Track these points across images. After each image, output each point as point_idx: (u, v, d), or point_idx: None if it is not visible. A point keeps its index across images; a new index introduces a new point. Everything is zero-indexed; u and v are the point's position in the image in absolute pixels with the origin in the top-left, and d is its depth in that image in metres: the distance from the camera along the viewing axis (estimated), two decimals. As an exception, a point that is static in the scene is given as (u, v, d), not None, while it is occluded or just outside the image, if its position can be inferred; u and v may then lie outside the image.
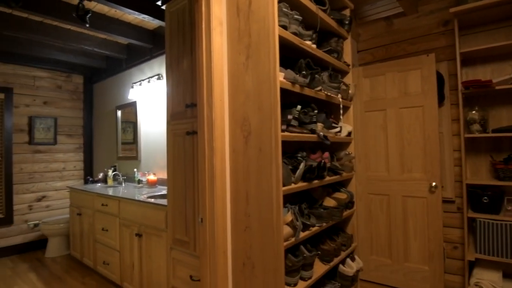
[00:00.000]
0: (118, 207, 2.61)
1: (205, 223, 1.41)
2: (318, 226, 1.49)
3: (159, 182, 3.13)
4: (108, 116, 4.10)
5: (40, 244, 3.79)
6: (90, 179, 3.84)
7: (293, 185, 1.36)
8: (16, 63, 3.69)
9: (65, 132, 4.16)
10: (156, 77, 3.17)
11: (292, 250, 1.42)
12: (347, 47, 2.31)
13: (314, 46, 1.67)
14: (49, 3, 2.61)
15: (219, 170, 1.41)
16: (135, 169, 3.34)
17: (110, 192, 2.83)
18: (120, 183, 3.52)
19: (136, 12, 2.64)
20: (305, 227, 1.41)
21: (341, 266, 1.83)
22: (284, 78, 1.35)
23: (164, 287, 2.15)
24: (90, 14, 2.50)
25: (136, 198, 2.43)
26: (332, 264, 1.66)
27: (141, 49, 3.45)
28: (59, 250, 3.57)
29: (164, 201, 2.23)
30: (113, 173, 3.56)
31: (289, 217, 1.28)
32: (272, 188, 1.26)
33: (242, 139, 1.42)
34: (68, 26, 3.14)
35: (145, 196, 2.56)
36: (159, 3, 2.60)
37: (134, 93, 3.40)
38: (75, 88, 4.30)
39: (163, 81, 3.12)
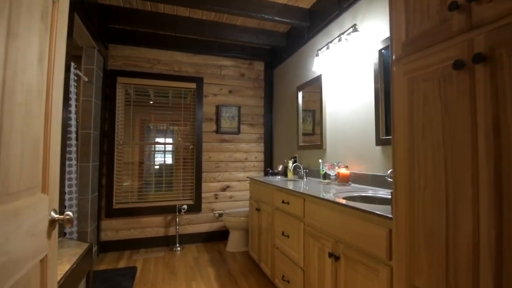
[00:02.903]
0: (303, 207, 1.87)
1: None
2: None
3: (353, 178, 2.21)
4: (288, 101, 3.59)
5: (223, 235, 3.71)
6: (270, 171, 3.42)
7: None
8: (205, 53, 3.76)
9: (248, 122, 3.98)
10: (351, 29, 2.26)
11: None
12: None
13: None
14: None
15: None
16: (320, 160, 2.57)
17: (291, 186, 2.16)
18: (301, 177, 2.86)
19: None
20: None
21: None
22: None
23: None
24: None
25: (330, 197, 1.59)
26: None
27: (327, 7, 2.66)
28: (239, 245, 3.31)
29: (378, 208, 1.26)
30: (294, 164, 2.94)
31: None
32: None
33: None
34: (248, -5, 2.76)
35: (337, 195, 1.69)
36: None
37: (319, 63, 2.64)
38: (256, 76, 4.07)
39: (360, 34, 2.17)
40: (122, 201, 3.37)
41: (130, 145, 3.43)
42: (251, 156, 3.96)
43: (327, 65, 2.64)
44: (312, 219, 1.75)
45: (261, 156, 4.01)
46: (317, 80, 2.82)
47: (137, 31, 3.39)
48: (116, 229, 3.28)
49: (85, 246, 1.70)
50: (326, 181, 2.41)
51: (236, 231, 3.31)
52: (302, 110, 3.16)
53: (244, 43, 3.87)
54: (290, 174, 2.97)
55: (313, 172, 2.83)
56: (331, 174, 2.31)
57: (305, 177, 2.80)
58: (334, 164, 2.30)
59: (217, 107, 3.81)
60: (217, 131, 3.79)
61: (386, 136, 1.94)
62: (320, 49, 2.67)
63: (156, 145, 3.60)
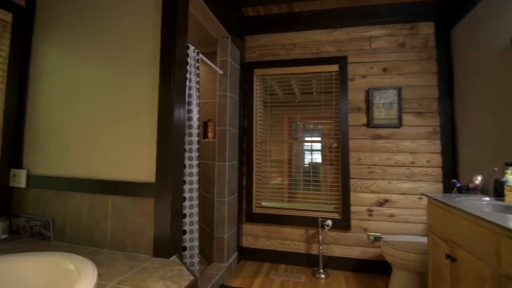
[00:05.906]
0: None
1: None
2: None
3: None
4: (487, 69, 2.21)
5: (382, 267, 2.70)
6: (458, 184, 2.18)
7: None
8: (347, 25, 2.86)
9: (412, 109, 2.79)
10: None
11: None
12: None
13: None
14: None
15: None
16: None
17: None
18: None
19: None
20: None
21: None
22: None
23: None
24: None
25: None
26: None
27: None
28: (410, 292, 2.24)
29: None
30: (521, 177, 1.64)
31: None
32: None
33: None
34: None
35: None
36: None
37: None
38: (423, 43, 2.82)
39: None
40: (261, 205, 3.11)
41: (268, 144, 3.13)
42: (421, 159, 2.75)
43: None
44: None
45: (437, 159, 2.73)
46: None
47: (270, 16, 3.09)
48: (256, 236, 3.07)
49: (185, 282, 1.19)
50: None
51: (402, 271, 2.26)
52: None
53: (404, -2, 2.71)
54: (510, 196, 1.69)
55: None
56: None
57: (551, 202, 1.48)
58: None
59: (367, 92, 2.82)
60: (368, 124, 2.81)
61: None
62: None
63: (299, 144, 3.06)
